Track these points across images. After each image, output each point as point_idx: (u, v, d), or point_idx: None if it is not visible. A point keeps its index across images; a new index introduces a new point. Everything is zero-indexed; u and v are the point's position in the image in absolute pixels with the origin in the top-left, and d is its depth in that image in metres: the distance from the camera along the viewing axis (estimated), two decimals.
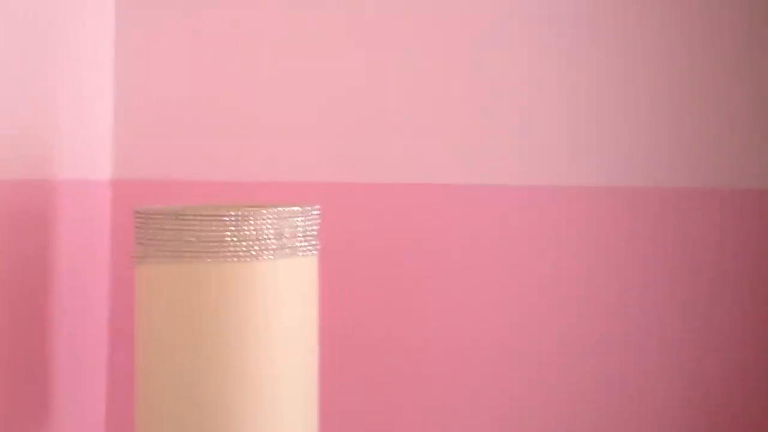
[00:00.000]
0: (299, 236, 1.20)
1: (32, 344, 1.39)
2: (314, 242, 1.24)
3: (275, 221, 1.17)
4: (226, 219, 1.15)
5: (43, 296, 1.42)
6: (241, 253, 1.15)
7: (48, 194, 1.44)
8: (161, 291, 1.17)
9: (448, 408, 1.60)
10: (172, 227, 1.16)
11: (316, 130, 1.59)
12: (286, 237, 1.18)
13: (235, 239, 1.15)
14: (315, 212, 1.24)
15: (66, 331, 1.49)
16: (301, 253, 1.21)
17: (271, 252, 1.17)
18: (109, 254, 1.63)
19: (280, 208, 1.18)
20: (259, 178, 1.59)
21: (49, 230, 1.44)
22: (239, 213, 1.15)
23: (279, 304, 1.18)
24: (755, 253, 1.59)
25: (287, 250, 1.18)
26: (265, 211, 1.17)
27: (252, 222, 1.16)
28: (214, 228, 1.15)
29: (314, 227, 1.24)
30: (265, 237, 1.17)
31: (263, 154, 1.60)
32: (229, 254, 1.14)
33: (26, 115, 1.37)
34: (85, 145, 1.55)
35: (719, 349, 1.60)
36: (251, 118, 1.60)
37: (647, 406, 1.60)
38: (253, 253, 1.16)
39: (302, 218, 1.21)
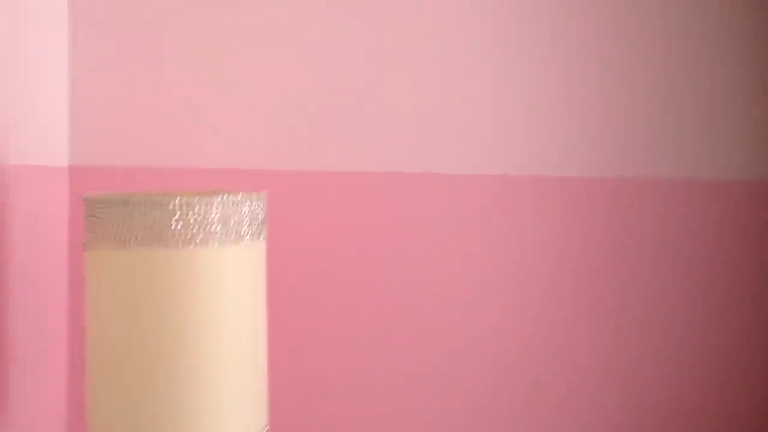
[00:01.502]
0: (245, 223, 1.22)
1: None
2: (261, 229, 1.26)
3: (221, 208, 1.19)
4: (171, 206, 1.16)
5: (0, 283, 1.44)
6: (186, 240, 1.17)
7: (3, 180, 1.45)
8: (108, 278, 1.19)
9: (399, 395, 1.63)
10: (118, 214, 1.17)
11: (265, 119, 1.61)
12: (231, 224, 1.20)
13: (180, 226, 1.16)
14: (261, 199, 1.26)
15: (24, 318, 1.51)
16: (247, 240, 1.23)
17: (217, 239, 1.19)
18: (68, 240, 1.64)
19: (225, 195, 1.20)
20: (213, 165, 1.61)
21: (5, 216, 1.45)
22: (184, 200, 1.17)
23: (225, 291, 1.20)
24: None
25: (233, 236, 1.20)
26: (210, 198, 1.18)
27: (197, 209, 1.17)
28: (159, 215, 1.16)
29: (261, 214, 1.26)
30: (211, 224, 1.18)
31: (216, 142, 1.61)
32: (174, 241, 1.16)
33: None
34: (41, 132, 1.56)
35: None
36: (205, 107, 1.61)
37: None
38: (199, 240, 1.17)
39: (248, 204, 1.23)
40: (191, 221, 1.17)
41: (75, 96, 1.63)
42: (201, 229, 1.17)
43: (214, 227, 1.18)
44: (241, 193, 1.22)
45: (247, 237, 1.22)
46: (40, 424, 1.57)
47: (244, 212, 1.22)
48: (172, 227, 1.16)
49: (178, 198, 1.17)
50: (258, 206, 1.25)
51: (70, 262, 1.65)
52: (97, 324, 1.21)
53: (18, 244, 1.49)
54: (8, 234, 1.46)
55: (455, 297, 1.61)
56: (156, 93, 1.62)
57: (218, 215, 1.19)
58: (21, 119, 1.50)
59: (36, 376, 1.55)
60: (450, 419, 1.62)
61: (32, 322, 1.54)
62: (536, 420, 1.63)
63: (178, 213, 1.16)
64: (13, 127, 1.47)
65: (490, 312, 1.61)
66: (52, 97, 1.59)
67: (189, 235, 1.17)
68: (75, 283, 1.64)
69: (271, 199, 1.61)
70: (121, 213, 1.17)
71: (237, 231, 1.21)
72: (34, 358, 1.55)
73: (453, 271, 1.61)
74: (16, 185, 1.48)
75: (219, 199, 1.19)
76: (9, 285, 1.46)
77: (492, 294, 1.61)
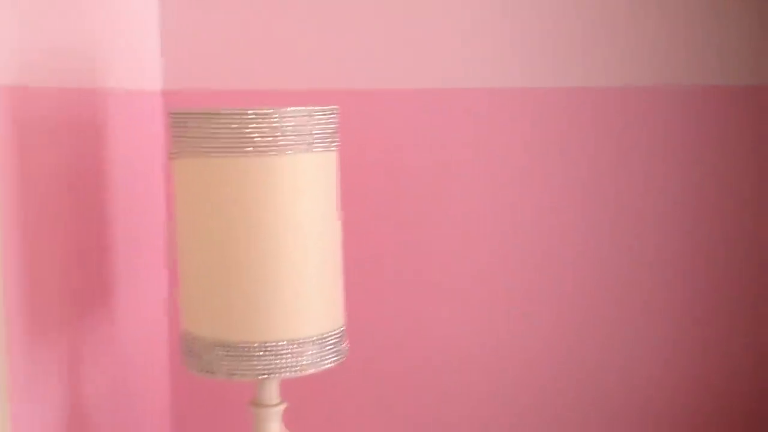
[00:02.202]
0: (317, 133, 1.31)
1: (95, 238, 1.55)
2: (332, 139, 1.34)
3: (294, 119, 1.28)
4: (248, 117, 1.26)
5: (103, 191, 1.58)
6: (262, 149, 1.26)
7: (101, 102, 1.58)
8: (193, 184, 1.30)
9: (458, 290, 1.71)
10: (201, 126, 1.28)
11: (341, 43, 1.68)
12: (304, 134, 1.29)
13: (256, 136, 1.26)
14: (332, 112, 1.34)
15: (126, 224, 1.65)
16: (319, 149, 1.31)
17: (291, 147, 1.28)
18: (163, 155, 1.77)
19: (298, 108, 1.29)
20: (295, 86, 1.70)
21: (105, 135, 1.59)
22: (260, 112, 1.26)
23: (298, 195, 1.29)
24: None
25: (305, 146, 1.29)
26: (284, 110, 1.27)
27: (272, 120, 1.27)
28: (237, 126, 1.26)
29: (332, 125, 1.34)
30: (285, 133, 1.27)
31: (292, 64, 1.70)
32: (250, 150, 1.26)
33: (81, 29, 1.50)
34: (135, 58, 1.68)
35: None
36: (289, 31, 1.70)
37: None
38: (274, 148, 1.27)
39: (319, 116, 1.31)
40: (266, 131, 1.26)
41: (166, 23, 1.74)
42: (276, 139, 1.27)
43: (287, 137, 1.27)
44: (312, 107, 1.31)
45: (319, 146, 1.31)
46: (142, 319, 1.72)
47: (316, 123, 1.30)
48: (249, 137, 1.26)
49: (255, 110, 1.26)
50: (329, 118, 1.33)
51: (166, 174, 1.78)
52: (185, 226, 1.32)
53: (117, 160, 1.62)
54: (109, 151, 1.59)
55: (516, 206, 1.67)
56: (242, 18, 1.71)
57: (292, 126, 1.28)
58: (116, 46, 1.62)
59: (138, 277, 1.70)
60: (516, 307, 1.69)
61: (133, 226, 1.68)
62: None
63: (255, 124, 1.26)
64: (109, 54, 1.60)
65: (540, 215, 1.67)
66: (144, 25, 1.71)
67: (264, 144, 1.26)
68: (171, 192, 1.78)
69: (346, 115, 1.70)
70: (204, 125, 1.27)
71: (309, 141, 1.30)
72: (136, 261, 1.69)
73: (512, 180, 1.66)
74: (114, 108, 1.61)
75: (292, 111, 1.28)
76: (111, 194, 1.60)
77: (537, 199, 1.66)
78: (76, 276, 1.51)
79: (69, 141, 1.48)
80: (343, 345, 1.40)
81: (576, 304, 1.68)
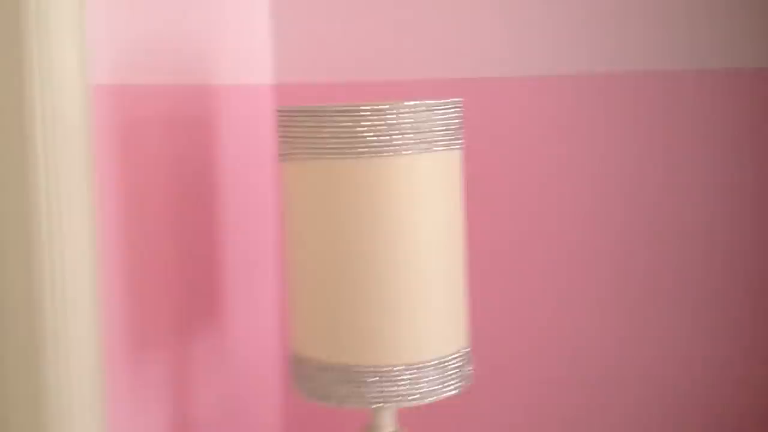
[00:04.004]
0: (439, 130, 1.15)
1: (203, 243, 1.45)
2: (456, 136, 1.19)
3: (413, 115, 1.13)
4: (361, 115, 1.11)
5: (211, 193, 1.48)
6: (378, 149, 1.12)
7: (212, 99, 1.48)
8: (302, 188, 1.16)
9: (596, 299, 1.52)
10: (310, 124, 1.14)
11: (461, 28, 1.52)
12: (424, 132, 1.13)
13: (370, 135, 1.11)
14: (456, 106, 1.18)
15: (236, 227, 1.54)
16: (441, 148, 1.16)
17: (409, 147, 1.13)
18: (274, 154, 1.66)
19: (417, 102, 1.13)
20: (412, 75, 1.55)
21: (213, 132, 1.48)
22: (375, 108, 1.11)
23: (418, 201, 1.14)
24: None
25: (426, 145, 1.14)
26: (401, 106, 1.12)
27: (388, 116, 1.12)
28: (349, 124, 1.12)
29: (456, 121, 1.18)
30: (403, 131, 1.12)
31: (410, 53, 1.55)
32: (365, 150, 1.11)
33: (187, 21, 1.40)
34: (246, 54, 1.57)
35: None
36: (402, 18, 1.55)
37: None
38: (390, 148, 1.12)
39: (441, 111, 1.15)
40: (381, 129, 1.12)
41: (276, 13, 1.63)
42: (392, 138, 1.12)
43: (405, 135, 1.12)
44: (433, 100, 1.15)
45: (441, 145, 1.16)
46: (254, 331, 1.61)
47: (438, 119, 1.15)
48: (363, 136, 1.12)
49: (369, 106, 1.12)
50: (452, 113, 1.17)
51: (277, 174, 1.66)
52: (293, 236, 1.19)
53: (226, 160, 1.52)
54: (217, 150, 1.49)
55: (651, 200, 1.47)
56: (354, 9, 1.58)
57: (410, 123, 1.13)
58: (224, 38, 1.51)
59: (249, 286, 1.60)
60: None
61: (244, 231, 1.57)
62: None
63: (369, 122, 1.11)
64: (216, 47, 1.49)
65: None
66: (254, 15, 1.60)
67: (379, 143, 1.12)
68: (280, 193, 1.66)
69: (470, 107, 1.53)
70: (313, 123, 1.14)
71: (430, 139, 1.14)
72: (247, 270, 1.59)
73: (659, 174, 1.46)
74: (222, 104, 1.51)
75: (410, 105, 1.13)
76: (219, 194, 1.50)
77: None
78: (184, 285, 1.41)
79: (174, 140, 1.38)
80: (468, 368, 1.24)
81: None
